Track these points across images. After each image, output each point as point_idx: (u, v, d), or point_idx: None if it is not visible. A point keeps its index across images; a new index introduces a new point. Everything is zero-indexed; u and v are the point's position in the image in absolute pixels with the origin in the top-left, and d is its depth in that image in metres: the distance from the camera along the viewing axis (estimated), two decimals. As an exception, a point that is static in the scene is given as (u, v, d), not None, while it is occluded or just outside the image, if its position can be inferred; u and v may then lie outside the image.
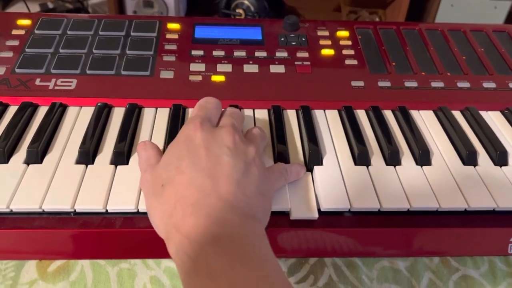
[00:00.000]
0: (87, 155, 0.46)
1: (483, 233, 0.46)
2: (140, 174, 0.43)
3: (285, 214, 0.44)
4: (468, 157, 0.49)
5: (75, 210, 0.42)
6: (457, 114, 0.56)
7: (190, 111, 0.54)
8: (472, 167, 0.49)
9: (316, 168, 0.47)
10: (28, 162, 0.46)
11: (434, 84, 0.60)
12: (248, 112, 0.55)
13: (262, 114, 0.54)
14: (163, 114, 0.53)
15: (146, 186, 0.41)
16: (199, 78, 0.58)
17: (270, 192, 0.41)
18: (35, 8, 1.51)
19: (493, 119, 0.56)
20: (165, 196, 0.37)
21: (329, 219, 0.44)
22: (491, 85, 0.60)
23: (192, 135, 0.41)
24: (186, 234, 0.35)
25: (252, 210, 0.37)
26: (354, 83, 0.58)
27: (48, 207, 0.42)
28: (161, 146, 0.49)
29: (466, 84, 0.60)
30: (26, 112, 0.51)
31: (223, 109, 0.48)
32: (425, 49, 0.65)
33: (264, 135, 0.47)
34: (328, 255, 0.47)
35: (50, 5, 1.51)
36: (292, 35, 0.65)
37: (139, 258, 0.46)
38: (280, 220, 0.43)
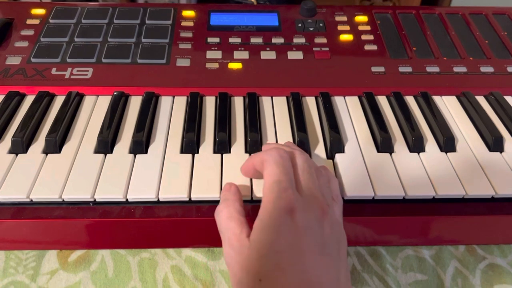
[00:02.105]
0: (105, 144, 0.46)
1: (510, 220, 0.44)
2: (222, 238, 0.38)
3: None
4: (494, 143, 0.48)
5: (95, 200, 0.42)
6: (481, 99, 0.55)
7: (207, 100, 0.53)
8: (498, 153, 0.48)
9: (337, 156, 0.46)
10: (46, 151, 0.46)
11: (457, 69, 0.58)
12: (266, 99, 0.54)
13: (280, 101, 0.53)
14: (181, 103, 0.53)
15: (234, 268, 0.35)
16: (215, 65, 0.57)
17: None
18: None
19: (519, 104, 0.55)
20: None
21: (352, 207, 0.43)
22: (516, 69, 0.58)
23: (288, 219, 0.34)
24: None
25: None
26: (374, 69, 0.57)
27: (68, 196, 0.41)
28: (179, 135, 0.48)
29: (489, 69, 0.58)
30: (43, 101, 0.51)
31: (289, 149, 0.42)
32: (446, 34, 0.64)
33: (331, 178, 0.42)
34: (351, 244, 0.46)
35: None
36: (309, 20, 0.64)
37: (159, 247, 0.45)
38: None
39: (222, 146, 0.46)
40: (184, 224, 0.42)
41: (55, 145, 0.46)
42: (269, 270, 0.33)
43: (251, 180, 0.43)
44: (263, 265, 0.33)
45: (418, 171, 0.45)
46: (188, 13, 0.65)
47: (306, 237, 0.34)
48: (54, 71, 0.55)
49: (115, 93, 0.52)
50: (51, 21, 0.62)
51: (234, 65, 0.57)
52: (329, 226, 0.36)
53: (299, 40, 0.61)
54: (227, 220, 0.37)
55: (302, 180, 0.38)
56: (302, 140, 0.47)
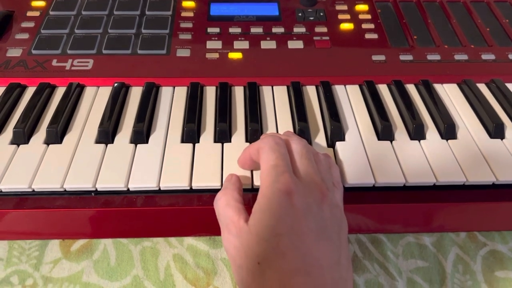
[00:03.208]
0: (106, 134, 0.46)
1: (511, 207, 0.44)
2: (220, 225, 0.38)
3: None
4: (495, 130, 0.48)
5: (96, 189, 0.42)
6: (482, 87, 0.55)
7: (208, 90, 0.53)
8: (499, 140, 0.48)
9: (338, 144, 0.46)
10: (48, 142, 0.46)
11: (458, 57, 0.58)
12: (267, 89, 0.54)
13: (281, 90, 0.53)
14: (181, 93, 0.53)
15: (234, 254, 0.36)
16: (216, 55, 0.57)
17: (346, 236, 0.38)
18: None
19: (520, 91, 0.54)
20: (266, 280, 0.33)
21: (353, 195, 0.43)
22: (517, 56, 0.58)
23: (287, 202, 0.34)
24: None
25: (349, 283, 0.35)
26: (375, 57, 0.57)
27: (70, 186, 0.42)
28: (180, 125, 0.48)
29: (491, 56, 0.58)
30: (44, 93, 0.51)
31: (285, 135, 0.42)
32: (447, 22, 0.63)
33: (331, 163, 0.42)
34: (353, 231, 0.46)
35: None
36: (309, 10, 0.64)
37: (161, 236, 0.45)
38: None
39: (223, 135, 0.46)
40: (186, 213, 0.43)
41: (56, 135, 0.46)
42: (268, 253, 0.33)
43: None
44: (262, 248, 0.33)
45: (419, 159, 0.45)
46: (188, 3, 0.65)
47: (305, 220, 0.34)
48: (54, 62, 0.55)
49: (115, 84, 0.52)
50: (51, 13, 0.62)
51: (234, 55, 0.57)
52: (328, 209, 0.36)
53: (299, 29, 0.61)
54: (225, 207, 0.37)
55: (300, 165, 0.38)
56: (302, 129, 0.47)
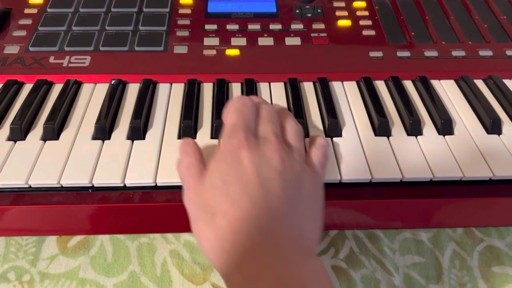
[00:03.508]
0: (103, 130, 0.46)
1: (508, 202, 0.44)
2: (183, 186, 0.40)
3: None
4: (492, 125, 0.48)
5: (93, 185, 0.42)
6: (479, 83, 0.55)
7: (205, 86, 0.53)
8: (496, 135, 0.48)
9: (335, 139, 0.46)
10: (45, 138, 0.46)
11: (455, 53, 0.58)
12: (264, 85, 0.54)
13: (278, 87, 0.53)
14: (178, 89, 0.53)
15: (191, 207, 0.38)
16: (213, 52, 0.57)
17: (320, 208, 0.38)
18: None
19: (518, 87, 0.54)
20: (218, 228, 0.34)
21: (350, 191, 0.43)
22: (515, 52, 0.58)
23: (238, 155, 0.36)
24: (250, 277, 0.32)
25: (311, 243, 0.35)
26: (372, 54, 0.57)
27: (67, 182, 0.42)
28: (176, 122, 0.48)
29: (488, 53, 0.58)
30: (41, 89, 0.51)
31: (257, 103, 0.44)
32: (445, 18, 0.63)
33: (301, 132, 0.43)
34: (349, 227, 0.46)
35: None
36: (307, 6, 0.64)
37: (158, 232, 0.45)
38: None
39: (220, 131, 0.46)
40: (183, 209, 0.42)
41: (53, 131, 0.46)
42: (219, 201, 0.35)
43: None
44: (213, 197, 0.35)
45: (416, 154, 0.45)
46: (186, 0, 0.65)
47: (256, 171, 0.35)
48: (52, 59, 0.55)
49: (113, 81, 0.52)
50: (48, 10, 0.62)
51: (232, 52, 0.57)
52: (282, 162, 0.37)
53: (297, 26, 0.61)
54: (187, 167, 0.39)
55: (261, 127, 0.40)
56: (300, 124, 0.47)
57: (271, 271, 0.32)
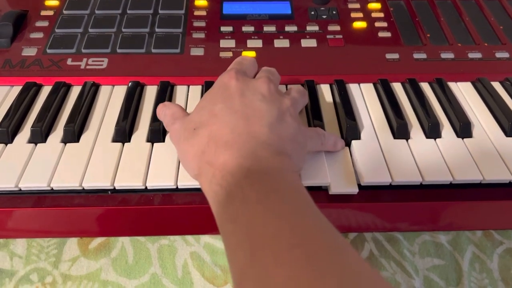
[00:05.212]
0: (123, 132, 0.46)
1: (527, 205, 0.44)
2: (168, 129, 0.43)
3: (323, 190, 0.43)
4: (511, 128, 0.48)
5: (114, 188, 0.42)
6: (496, 85, 0.54)
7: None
8: (515, 138, 0.48)
9: (354, 142, 0.46)
10: (65, 141, 0.46)
11: (472, 55, 0.58)
12: (281, 88, 0.54)
13: (295, 89, 0.53)
14: (196, 92, 0.53)
15: (176, 136, 0.41)
16: (229, 54, 0.57)
17: (305, 143, 0.41)
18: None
19: (535, 89, 0.54)
20: (198, 137, 0.37)
21: (369, 193, 0.43)
22: (532, 54, 0.58)
23: (227, 83, 0.41)
24: (220, 167, 0.34)
25: (285, 150, 0.37)
26: (388, 56, 0.57)
27: (88, 184, 0.42)
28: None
29: (505, 54, 0.58)
30: (60, 92, 0.52)
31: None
32: (460, 20, 0.63)
33: (304, 92, 0.47)
34: (368, 230, 0.46)
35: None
36: (322, 8, 0.64)
37: (178, 234, 0.46)
38: (318, 196, 0.43)
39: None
40: (203, 211, 0.43)
41: (73, 134, 0.46)
42: (203, 117, 0.38)
43: None
44: (199, 115, 0.39)
45: (435, 157, 0.45)
46: (201, 2, 0.65)
47: (241, 97, 0.39)
48: (69, 61, 0.55)
49: (130, 83, 0.53)
50: (65, 12, 0.62)
51: (248, 54, 0.57)
52: (271, 92, 0.40)
53: (312, 28, 0.61)
54: (180, 129, 0.41)
55: (257, 75, 0.44)
56: (318, 127, 0.47)
57: (238, 162, 0.34)
